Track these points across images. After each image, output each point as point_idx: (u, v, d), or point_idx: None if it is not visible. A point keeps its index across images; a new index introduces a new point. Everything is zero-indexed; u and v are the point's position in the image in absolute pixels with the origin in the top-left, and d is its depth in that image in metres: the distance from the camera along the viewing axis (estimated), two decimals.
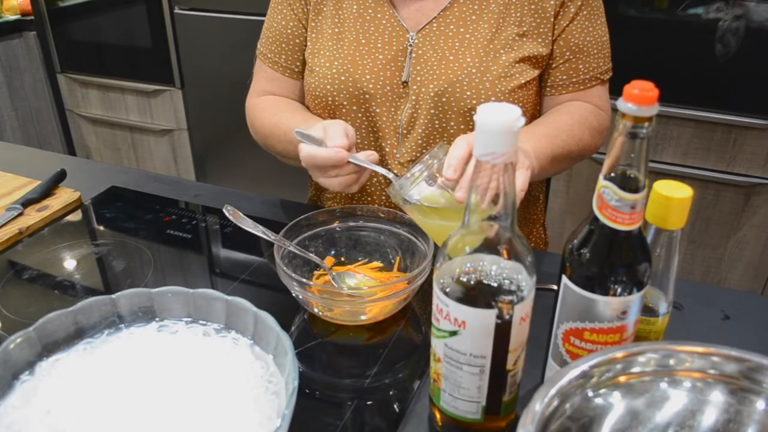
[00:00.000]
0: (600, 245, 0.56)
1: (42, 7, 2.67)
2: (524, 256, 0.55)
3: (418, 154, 1.02)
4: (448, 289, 0.56)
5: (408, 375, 0.74)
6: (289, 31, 1.09)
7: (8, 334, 0.64)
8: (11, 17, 2.75)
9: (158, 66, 2.53)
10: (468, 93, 0.96)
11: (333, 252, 0.90)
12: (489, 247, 0.55)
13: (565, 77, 1.03)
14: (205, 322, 0.69)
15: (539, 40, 0.99)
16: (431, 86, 0.98)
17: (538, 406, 0.49)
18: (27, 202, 1.06)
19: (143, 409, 0.60)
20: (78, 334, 0.67)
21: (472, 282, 0.55)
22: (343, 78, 1.01)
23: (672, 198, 0.58)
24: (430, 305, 0.60)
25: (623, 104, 0.51)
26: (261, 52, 1.14)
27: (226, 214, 0.87)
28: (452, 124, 0.99)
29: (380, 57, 1.00)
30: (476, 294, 0.55)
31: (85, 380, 0.63)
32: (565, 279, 0.59)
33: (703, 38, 1.75)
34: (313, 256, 0.86)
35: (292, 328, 0.81)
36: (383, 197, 1.07)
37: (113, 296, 0.68)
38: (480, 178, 0.52)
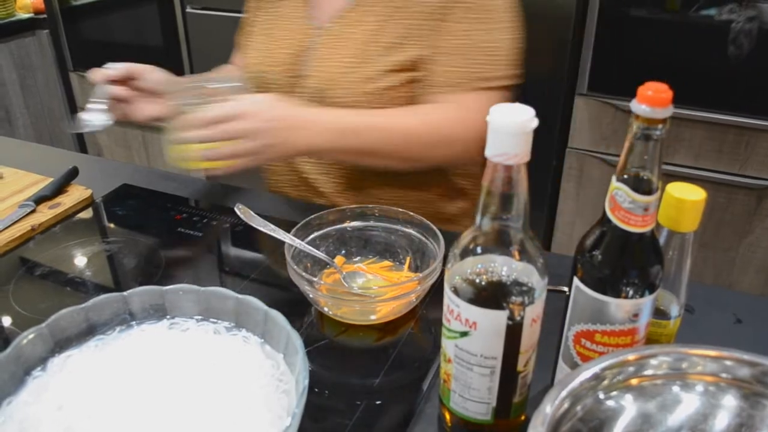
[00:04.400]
0: (612, 247, 0.56)
1: (55, 5, 2.69)
2: (536, 257, 0.55)
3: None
4: (459, 290, 0.56)
5: (417, 375, 0.74)
6: (245, 21, 1.24)
7: (20, 330, 0.64)
8: (24, 15, 2.77)
9: (170, 65, 2.51)
10: (340, 92, 1.03)
11: (343, 251, 0.90)
12: (500, 247, 0.55)
13: (442, 79, 1.01)
14: (215, 320, 0.70)
15: (422, 43, 1.00)
16: (312, 82, 1.06)
17: (549, 408, 0.49)
18: (39, 199, 1.07)
19: (153, 405, 0.60)
20: (90, 330, 0.68)
21: (483, 283, 0.55)
22: (255, 70, 1.13)
23: (685, 200, 0.57)
24: (441, 306, 0.60)
25: (637, 106, 0.51)
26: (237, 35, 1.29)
27: (238, 212, 0.87)
28: None
29: (288, 51, 1.10)
30: (487, 295, 0.55)
31: (96, 377, 0.63)
32: (576, 281, 0.59)
33: (716, 40, 1.74)
34: (323, 255, 0.86)
35: (302, 328, 0.81)
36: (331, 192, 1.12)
37: (125, 293, 0.69)
38: (492, 178, 0.52)
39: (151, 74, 1.11)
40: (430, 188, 1.13)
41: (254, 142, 0.89)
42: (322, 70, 1.05)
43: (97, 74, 1.06)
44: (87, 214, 1.09)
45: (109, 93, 1.06)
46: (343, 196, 1.12)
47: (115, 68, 1.07)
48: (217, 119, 0.89)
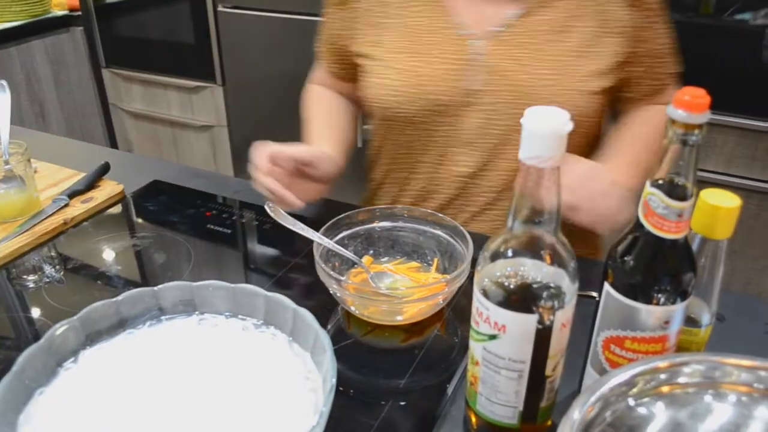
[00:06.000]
0: (644, 253, 0.56)
1: (89, 3, 2.73)
2: (567, 261, 0.55)
3: (483, 166, 1.02)
4: (488, 293, 0.55)
5: (443, 377, 0.73)
6: (328, 35, 1.14)
7: (51, 322, 0.66)
8: (59, 12, 2.81)
9: (200, 63, 2.56)
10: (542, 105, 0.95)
11: (371, 251, 0.90)
12: (532, 251, 0.55)
13: (648, 82, 1.02)
14: (244, 317, 0.70)
15: (616, 49, 0.98)
16: (504, 97, 0.97)
17: (577, 413, 0.48)
18: (73, 194, 1.08)
19: (181, 399, 0.61)
20: (120, 324, 0.69)
21: (513, 286, 0.55)
22: (411, 91, 1.00)
23: (719, 207, 0.56)
24: (467, 308, 0.59)
25: (673, 110, 0.50)
26: (317, 45, 1.18)
27: (268, 210, 0.88)
28: None
29: (447, 67, 0.99)
30: (517, 298, 0.54)
31: (126, 370, 0.64)
32: (607, 286, 0.58)
33: (750, 45, 1.71)
34: (351, 255, 0.86)
35: (329, 327, 0.81)
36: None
37: (156, 288, 0.69)
38: (525, 181, 0.52)
39: (323, 164, 0.98)
40: None
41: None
42: (514, 84, 0.97)
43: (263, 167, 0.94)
44: (118, 209, 1.10)
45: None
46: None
47: (287, 157, 0.95)
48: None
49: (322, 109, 1.17)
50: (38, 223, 1.01)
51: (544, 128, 0.49)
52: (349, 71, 1.14)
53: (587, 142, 1.06)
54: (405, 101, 1.01)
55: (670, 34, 1.02)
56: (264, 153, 0.92)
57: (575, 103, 0.96)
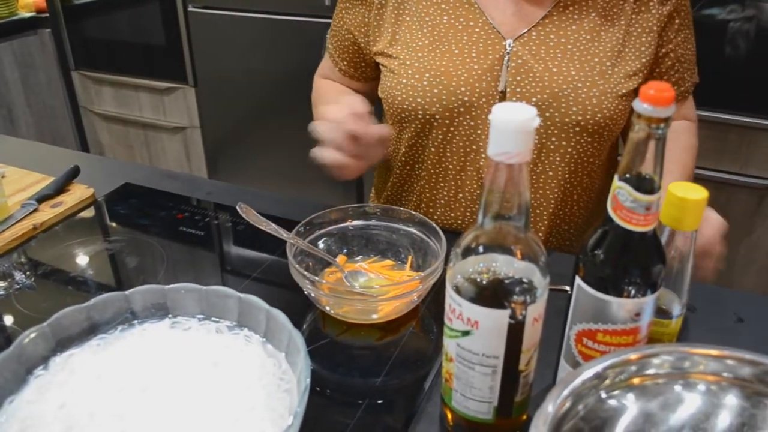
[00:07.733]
0: (614, 246, 0.56)
1: (57, 4, 2.69)
2: (538, 256, 0.55)
3: None
4: (461, 289, 0.56)
5: (419, 374, 0.74)
6: (342, 32, 1.09)
7: (22, 329, 0.64)
8: (26, 14, 2.77)
9: (172, 64, 2.54)
10: (574, 108, 0.93)
11: (345, 250, 0.90)
12: (502, 247, 0.55)
13: (674, 89, 0.99)
14: (217, 320, 0.70)
15: (642, 50, 0.96)
16: (533, 99, 0.94)
17: (551, 407, 0.49)
18: (42, 198, 1.07)
19: (155, 404, 0.60)
20: (91, 329, 0.68)
21: (485, 282, 0.55)
22: (436, 90, 0.96)
23: (687, 199, 0.57)
24: (442, 305, 0.60)
25: (639, 105, 0.51)
26: (328, 39, 1.15)
27: (240, 211, 0.87)
28: (553, 139, 0.96)
29: (475, 67, 0.95)
30: (489, 294, 0.55)
31: (98, 375, 0.63)
32: (578, 280, 0.59)
33: (717, 39, 1.73)
34: (325, 254, 0.86)
35: (304, 327, 0.81)
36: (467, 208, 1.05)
37: (127, 292, 0.69)
38: (494, 177, 0.52)
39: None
40: None
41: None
42: (542, 86, 0.94)
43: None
44: (89, 213, 1.09)
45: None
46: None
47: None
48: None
49: (337, 92, 1.12)
50: (7, 228, 0.99)
51: (512, 124, 0.49)
52: (362, 70, 1.11)
53: (611, 147, 1.04)
54: (425, 102, 0.97)
55: (692, 40, 1.02)
56: (339, 129, 0.84)
57: (605, 106, 0.94)
